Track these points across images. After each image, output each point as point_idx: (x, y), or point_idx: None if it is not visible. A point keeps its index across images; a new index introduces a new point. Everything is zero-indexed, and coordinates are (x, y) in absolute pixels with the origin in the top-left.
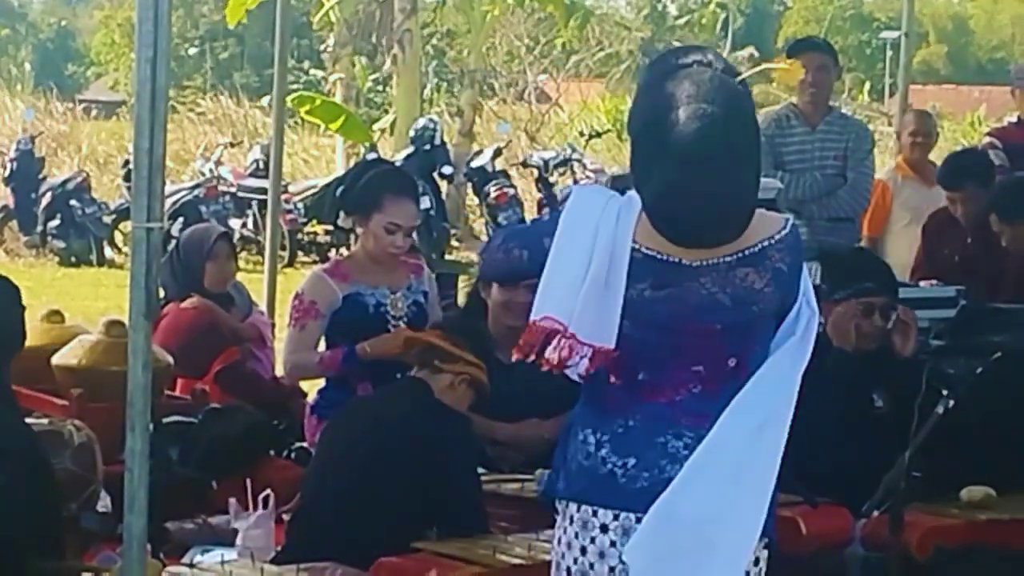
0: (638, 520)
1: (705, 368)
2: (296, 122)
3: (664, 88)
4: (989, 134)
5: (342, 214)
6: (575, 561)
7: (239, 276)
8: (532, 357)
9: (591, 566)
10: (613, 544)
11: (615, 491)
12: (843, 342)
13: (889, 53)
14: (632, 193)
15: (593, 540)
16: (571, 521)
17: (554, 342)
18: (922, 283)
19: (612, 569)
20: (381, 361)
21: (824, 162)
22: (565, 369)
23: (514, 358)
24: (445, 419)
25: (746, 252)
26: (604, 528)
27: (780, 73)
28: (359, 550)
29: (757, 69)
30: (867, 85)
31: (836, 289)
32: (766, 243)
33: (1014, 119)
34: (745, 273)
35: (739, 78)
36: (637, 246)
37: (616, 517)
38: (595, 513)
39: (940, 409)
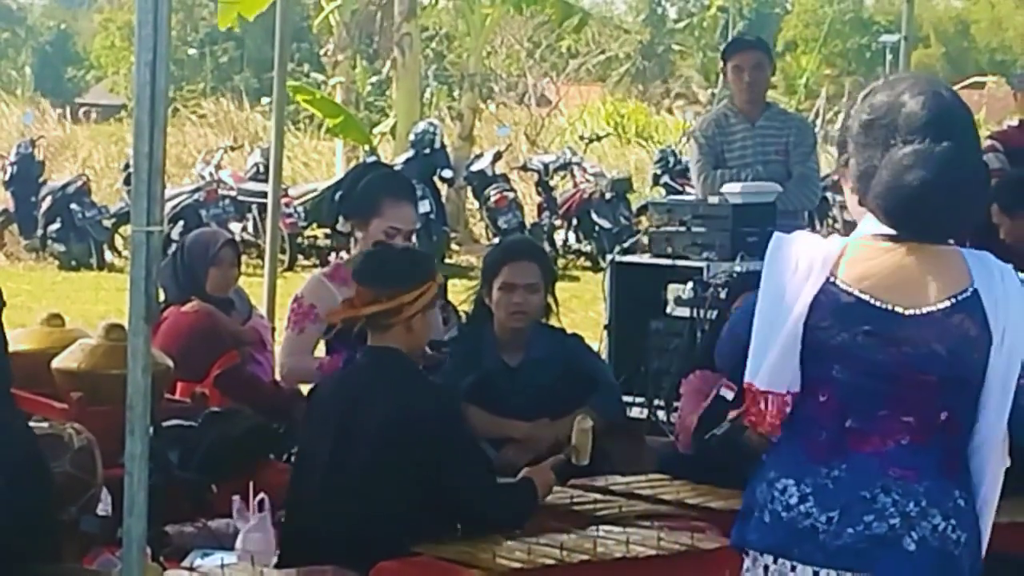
0: None
1: (916, 419)
2: (297, 127)
3: (884, 86)
4: (990, 137)
5: (341, 219)
6: None
7: (239, 281)
8: (754, 420)
9: None
10: None
11: (816, 546)
12: None
13: (889, 56)
14: (835, 236)
15: None
16: (765, 571)
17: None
18: None
19: None
20: None
21: (766, 156)
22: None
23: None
24: (429, 394)
25: (959, 298)
26: None
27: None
28: (362, 546)
29: None
30: None
31: None
32: (977, 286)
33: (1014, 122)
34: (960, 320)
35: None
36: (850, 289)
37: (816, 574)
38: (793, 568)
39: None
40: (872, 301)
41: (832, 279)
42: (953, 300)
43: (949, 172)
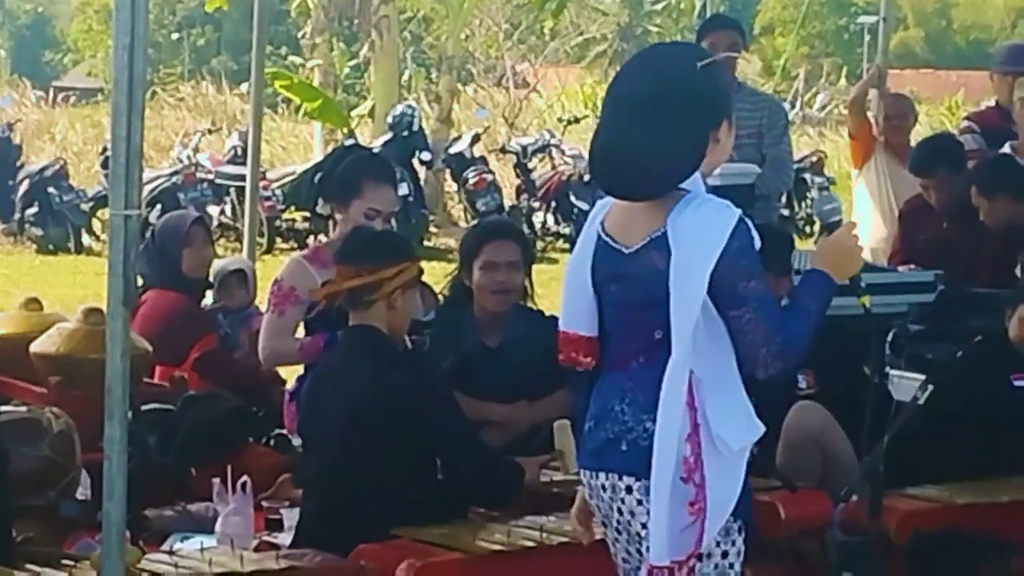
0: (594, 475)
1: (643, 341)
2: (275, 110)
3: (632, 59)
4: (967, 118)
5: (320, 200)
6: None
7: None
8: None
9: (598, 507)
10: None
11: (583, 452)
12: None
13: (867, 38)
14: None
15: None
16: (585, 483)
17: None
18: (900, 268)
19: (598, 508)
20: None
21: (739, 139)
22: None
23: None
24: (404, 368)
25: (652, 236)
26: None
27: None
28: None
29: None
30: (845, 70)
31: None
32: (668, 228)
33: (991, 103)
34: (652, 256)
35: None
36: (602, 235)
37: (588, 474)
38: (584, 473)
39: (920, 395)
40: (611, 243)
41: (599, 230)
42: (648, 238)
43: (615, 146)
